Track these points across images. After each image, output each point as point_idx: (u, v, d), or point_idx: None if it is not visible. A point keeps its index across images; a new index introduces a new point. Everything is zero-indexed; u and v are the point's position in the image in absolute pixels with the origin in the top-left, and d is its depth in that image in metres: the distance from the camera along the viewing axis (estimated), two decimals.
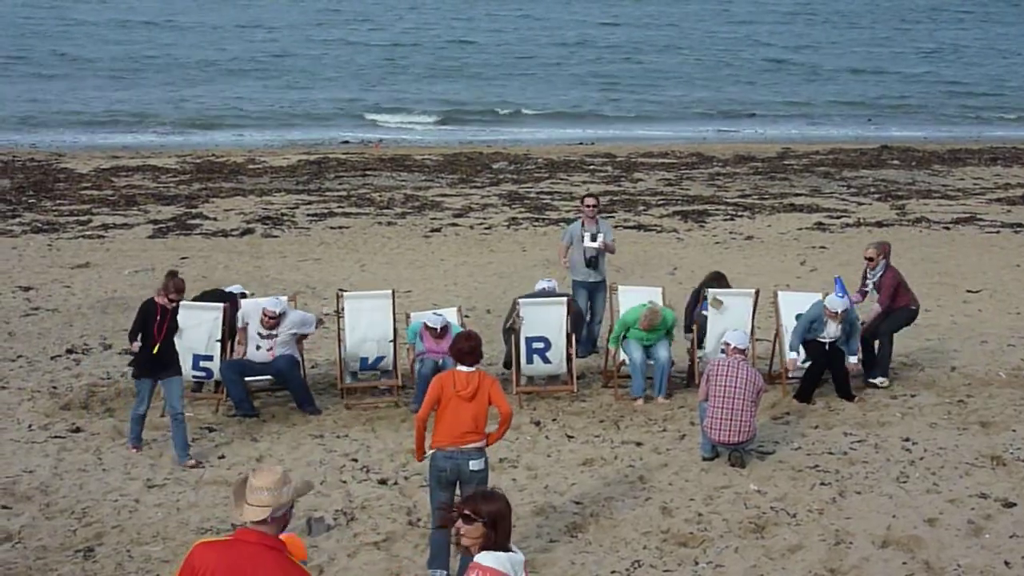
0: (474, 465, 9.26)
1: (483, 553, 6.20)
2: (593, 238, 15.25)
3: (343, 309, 14.04)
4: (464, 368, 9.43)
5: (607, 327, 14.87)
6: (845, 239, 23.01)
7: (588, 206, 15.58)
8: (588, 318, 15.34)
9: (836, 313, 13.47)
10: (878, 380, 14.24)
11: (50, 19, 69.52)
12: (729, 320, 13.99)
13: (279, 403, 13.67)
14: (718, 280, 14.73)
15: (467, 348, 9.50)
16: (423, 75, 54.23)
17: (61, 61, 53.70)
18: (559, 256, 16.17)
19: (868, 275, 14.66)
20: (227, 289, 14.60)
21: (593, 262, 15.29)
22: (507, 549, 6.21)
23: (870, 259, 14.53)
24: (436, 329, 13.34)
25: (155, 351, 11.76)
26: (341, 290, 14.85)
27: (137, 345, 11.87)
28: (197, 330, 13.50)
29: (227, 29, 69.50)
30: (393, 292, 14.22)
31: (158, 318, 11.76)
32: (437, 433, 9.34)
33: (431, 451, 9.38)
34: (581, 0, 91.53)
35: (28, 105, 42.67)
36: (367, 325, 13.86)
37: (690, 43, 69.25)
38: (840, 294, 13.91)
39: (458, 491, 9.35)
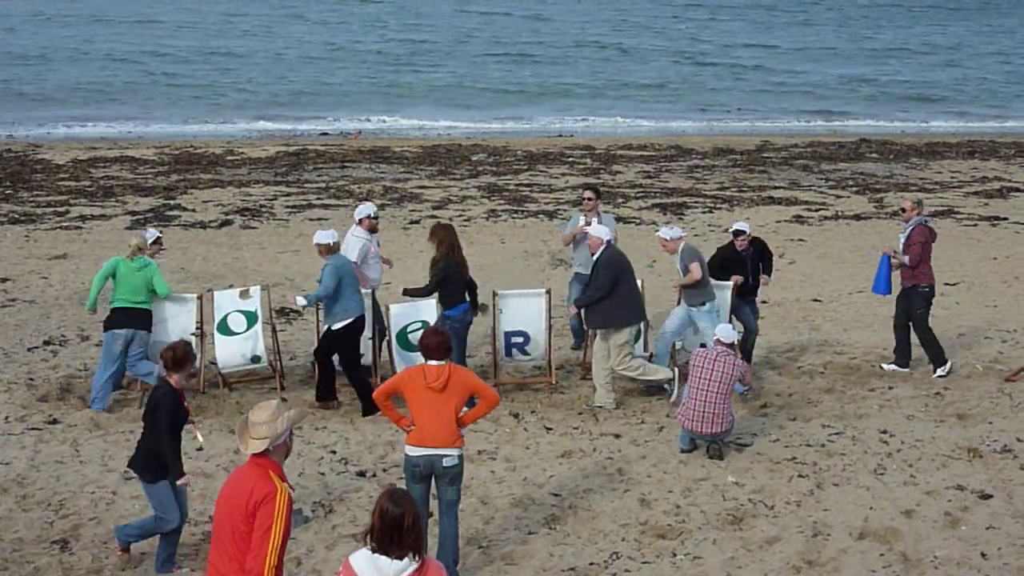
0: (447, 461, 9.15)
1: (358, 551, 6.20)
2: (588, 223, 15.16)
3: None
4: (434, 362, 9.28)
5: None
6: (823, 232, 23.08)
7: (586, 199, 15.33)
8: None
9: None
10: (938, 372, 14.45)
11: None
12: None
13: (256, 394, 13.61)
14: None
15: (434, 343, 9.28)
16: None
17: (34, 54, 53.18)
18: (564, 243, 15.93)
19: (901, 233, 14.55)
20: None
21: None
22: (400, 553, 6.12)
23: (903, 210, 14.44)
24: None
25: None
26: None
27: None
28: (173, 323, 13.47)
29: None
30: (373, 291, 14.13)
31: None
32: (412, 434, 9.24)
33: (405, 447, 9.29)
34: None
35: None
36: None
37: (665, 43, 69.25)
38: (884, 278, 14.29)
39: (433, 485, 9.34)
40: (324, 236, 13.17)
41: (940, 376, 14.35)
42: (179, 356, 9.29)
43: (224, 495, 6.97)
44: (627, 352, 13.20)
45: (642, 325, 13.92)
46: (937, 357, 14.50)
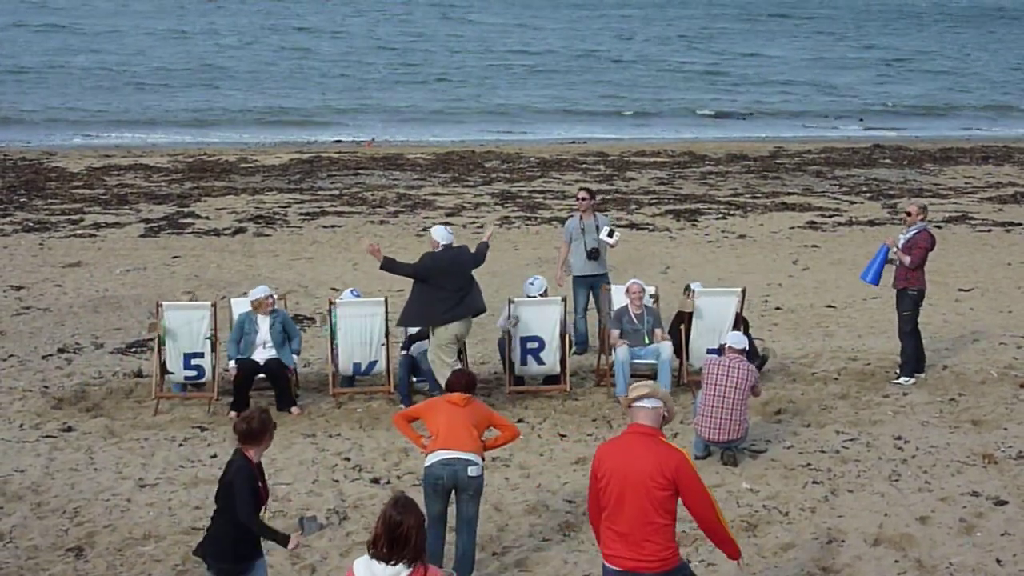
0: (472, 471, 9.12)
1: (360, 559, 6.24)
2: (610, 233, 15.23)
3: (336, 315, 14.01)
4: (457, 394, 9.46)
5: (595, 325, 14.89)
6: (837, 238, 23.04)
7: (580, 199, 15.54)
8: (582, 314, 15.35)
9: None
10: (901, 380, 14.31)
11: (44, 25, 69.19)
12: (714, 318, 13.98)
13: (270, 400, 13.60)
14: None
15: (461, 382, 9.50)
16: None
17: (52, 67, 53.13)
18: (560, 259, 15.89)
19: (902, 233, 14.43)
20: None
21: (595, 254, 15.23)
22: (396, 561, 6.16)
23: (908, 214, 14.28)
24: None
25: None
26: (334, 289, 14.79)
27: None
28: (187, 329, 13.50)
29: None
30: (386, 299, 14.13)
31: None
32: (434, 442, 9.27)
33: (426, 456, 9.29)
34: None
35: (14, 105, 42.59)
36: (359, 331, 13.83)
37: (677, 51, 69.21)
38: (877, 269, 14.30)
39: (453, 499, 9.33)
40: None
41: (896, 382, 14.25)
42: (255, 428, 7.89)
43: (617, 466, 7.25)
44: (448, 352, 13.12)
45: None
46: (907, 364, 14.37)
